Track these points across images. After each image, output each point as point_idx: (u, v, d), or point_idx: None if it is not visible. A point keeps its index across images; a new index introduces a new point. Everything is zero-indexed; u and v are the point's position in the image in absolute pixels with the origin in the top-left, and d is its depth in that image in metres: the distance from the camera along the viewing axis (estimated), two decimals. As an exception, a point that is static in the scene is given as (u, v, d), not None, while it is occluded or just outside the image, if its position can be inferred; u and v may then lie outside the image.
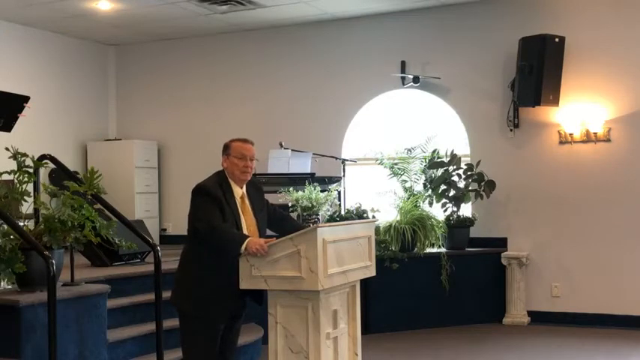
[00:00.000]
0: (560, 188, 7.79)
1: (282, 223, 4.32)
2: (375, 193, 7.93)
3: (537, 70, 7.49)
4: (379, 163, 8.13)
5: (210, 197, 3.94)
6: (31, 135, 7.74)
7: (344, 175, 8.07)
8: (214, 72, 9.61)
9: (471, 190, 7.84)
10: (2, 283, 4.36)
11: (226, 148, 4.13)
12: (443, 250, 7.72)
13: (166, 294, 4.56)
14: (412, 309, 7.54)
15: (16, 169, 4.35)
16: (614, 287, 7.51)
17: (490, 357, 6.43)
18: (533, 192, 7.90)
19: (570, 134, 7.74)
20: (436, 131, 8.27)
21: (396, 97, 8.68)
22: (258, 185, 4.34)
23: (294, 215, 6.74)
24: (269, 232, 4.28)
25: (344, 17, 8.74)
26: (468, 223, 7.84)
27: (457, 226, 7.78)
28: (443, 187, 7.80)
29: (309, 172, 7.65)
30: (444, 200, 7.82)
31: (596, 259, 7.61)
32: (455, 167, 7.86)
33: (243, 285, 3.89)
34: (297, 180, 7.36)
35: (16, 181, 4.36)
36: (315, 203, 6.95)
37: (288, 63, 9.18)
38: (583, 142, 7.72)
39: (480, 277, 7.81)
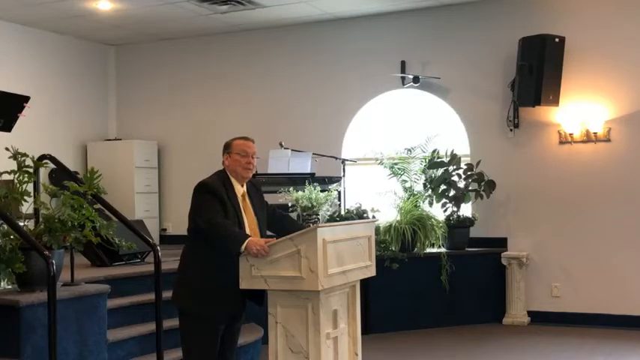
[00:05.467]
0: (560, 188, 7.79)
1: (282, 223, 4.33)
2: (375, 193, 7.92)
3: (537, 70, 7.49)
4: (379, 163, 8.13)
5: (213, 194, 3.95)
6: (31, 135, 7.75)
7: (344, 175, 8.07)
8: (214, 72, 9.61)
9: (471, 190, 7.84)
10: (2, 283, 4.36)
11: (227, 147, 4.15)
12: (443, 250, 7.72)
13: (166, 294, 4.57)
14: (412, 309, 7.54)
15: (16, 169, 4.35)
16: (614, 287, 7.51)
17: (490, 357, 6.43)
18: (533, 192, 7.90)
19: (570, 134, 7.74)
20: (436, 131, 8.26)
21: (396, 97, 8.68)
22: (258, 185, 4.35)
23: (294, 215, 6.74)
24: (269, 232, 4.29)
25: (344, 17, 8.74)
26: (468, 223, 7.84)
27: (457, 226, 7.78)
28: (443, 187, 7.80)
29: (309, 172, 7.65)
30: (444, 200, 7.82)
31: (596, 259, 7.61)
32: (455, 167, 7.86)
33: (243, 285, 3.89)
34: (297, 180, 7.36)
35: (16, 181, 4.36)
36: (315, 203, 6.95)
37: (288, 63, 9.18)
38: (583, 142, 7.72)
39: (480, 277, 7.81)
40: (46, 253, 3.94)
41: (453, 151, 7.92)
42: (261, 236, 4.09)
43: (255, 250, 3.79)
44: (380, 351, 6.56)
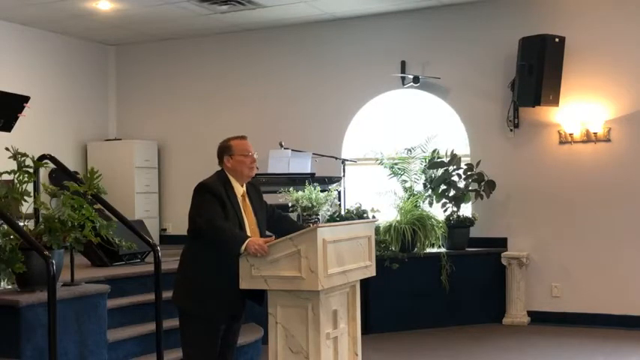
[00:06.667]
0: (560, 188, 7.79)
1: (282, 223, 4.33)
2: (375, 193, 7.93)
3: (537, 70, 7.49)
4: (379, 163, 8.13)
5: (213, 195, 3.95)
6: (31, 135, 7.75)
7: (344, 175, 8.07)
8: (214, 72, 9.61)
9: (471, 190, 7.84)
10: (2, 283, 4.36)
11: (227, 149, 4.13)
12: (443, 250, 7.72)
13: (166, 294, 4.57)
14: (412, 309, 7.54)
15: (16, 169, 4.35)
16: (614, 287, 7.51)
17: (490, 357, 6.43)
18: (533, 192, 7.90)
19: (570, 134, 7.74)
20: (436, 131, 8.26)
21: (396, 97, 8.68)
22: (257, 186, 4.35)
23: (294, 215, 6.74)
24: (268, 232, 4.29)
25: (344, 17, 8.74)
26: (468, 223, 7.83)
27: (457, 226, 7.78)
28: (443, 187, 7.80)
29: (309, 172, 7.65)
30: (444, 200, 7.82)
31: (596, 259, 7.61)
32: (455, 167, 7.86)
33: (243, 285, 3.89)
34: (297, 180, 7.36)
35: (16, 181, 4.36)
36: (315, 203, 6.94)
37: (288, 63, 9.18)
38: (583, 142, 7.72)
39: (479, 277, 7.81)
40: (46, 253, 3.94)
41: (453, 151, 7.92)
42: (261, 236, 4.09)
43: (254, 250, 3.79)
44: (380, 351, 6.56)
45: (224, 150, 4.14)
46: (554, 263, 7.80)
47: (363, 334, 4.49)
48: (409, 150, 8.13)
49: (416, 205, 7.64)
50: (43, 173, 7.45)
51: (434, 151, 8.01)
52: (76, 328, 4.37)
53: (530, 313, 7.77)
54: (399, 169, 8.03)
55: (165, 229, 9.85)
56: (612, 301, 7.50)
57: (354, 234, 4.19)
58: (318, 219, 6.92)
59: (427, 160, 7.96)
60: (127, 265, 6.18)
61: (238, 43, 9.45)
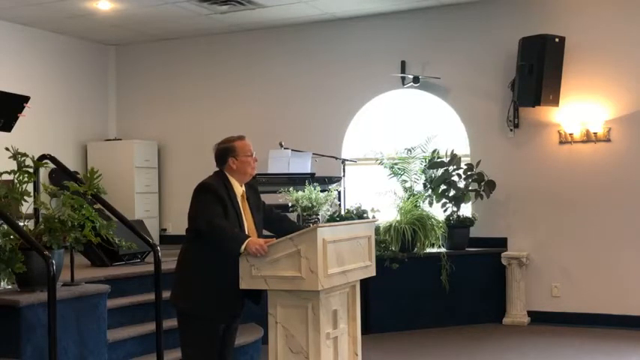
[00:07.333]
0: (560, 188, 7.79)
1: (281, 224, 4.31)
2: (375, 193, 7.93)
3: (537, 70, 7.49)
4: (379, 163, 8.13)
5: (214, 195, 3.94)
6: (31, 135, 7.75)
7: (344, 175, 8.07)
8: (214, 72, 9.61)
9: (471, 190, 7.84)
10: (2, 283, 4.36)
11: (231, 151, 4.11)
12: (443, 250, 7.72)
13: (166, 294, 4.56)
14: (412, 309, 7.54)
15: (16, 169, 4.35)
16: (614, 287, 7.51)
17: (490, 357, 6.43)
18: (533, 192, 7.90)
19: (570, 134, 7.75)
20: (436, 131, 8.26)
21: (396, 97, 8.68)
22: (255, 185, 4.34)
23: (294, 215, 6.74)
24: (267, 232, 4.28)
25: (344, 17, 8.75)
26: (468, 223, 7.84)
27: (457, 226, 7.78)
28: (443, 187, 7.80)
29: (309, 172, 7.66)
30: (444, 200, 7.82)
31: (596, 259, 7.61)
32: (455, 167, 7.86)
33: (243, 285, 3.89)
34: (297, 180, 7.36)
35: (16, 181, 4.36)
36: (315, 203, 6.95)
37: (288, 63, 9.18)
38: (583, 142, 7.72)
39: (479, 277, 7.81)
40: (46, 253, 3.94)
41: (453, 151, 7.92)
42: (259, 236, 4.08)
43: (254, 250, 3.79)
44: (380, 351, 6.56)
45: (227, 152, 4.12)
46: (554, 263, 7.80)
47: (363, 334, 4.49)
48: (409, 150, 8.13)
49: (416, 205, 7.64)
50: (43, 173, 7.46)
51: (434, 151, 8.01)
52: (76, 328, 4.37)
53: (530, 313, 7.77)
54: (399, 169, 8.03)
55: (165, 229, 9.85)
56: (612, 301, 7.50)
57: (354, 234, 4.18)
58: (318, 219, 6.93)
59: (427, 160, 7.96)
60: (127, 265, 6.18)
61: (238, 43, 9.45)
